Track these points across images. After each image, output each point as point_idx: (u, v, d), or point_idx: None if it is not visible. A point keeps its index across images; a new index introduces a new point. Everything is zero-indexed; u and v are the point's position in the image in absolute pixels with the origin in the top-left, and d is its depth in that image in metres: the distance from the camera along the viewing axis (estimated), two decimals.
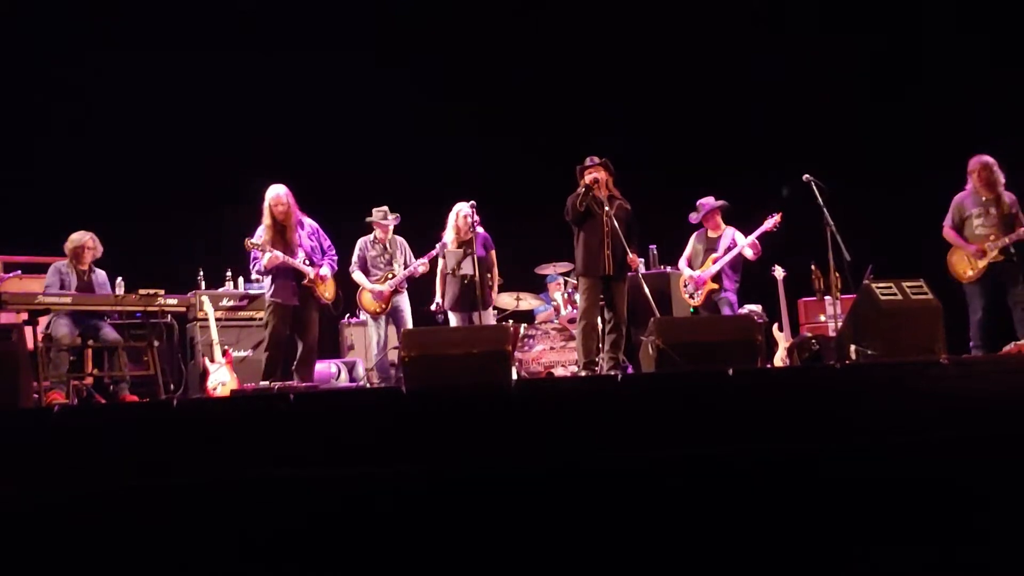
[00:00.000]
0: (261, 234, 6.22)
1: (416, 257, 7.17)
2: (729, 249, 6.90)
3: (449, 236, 6.94)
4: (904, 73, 9.02)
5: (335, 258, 6.55)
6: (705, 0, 9.11)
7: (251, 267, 6.38)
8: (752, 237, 6.85)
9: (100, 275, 6.58)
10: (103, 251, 6.60)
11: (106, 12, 8.57)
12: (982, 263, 6.06)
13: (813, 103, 8.88)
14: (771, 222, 6.85)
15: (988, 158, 6.08)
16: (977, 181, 6.12)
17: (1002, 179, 6.06)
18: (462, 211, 6.86)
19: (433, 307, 7.13)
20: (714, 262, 6.91)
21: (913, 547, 3.92)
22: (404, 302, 7.15)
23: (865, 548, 3.93)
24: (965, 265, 6.18)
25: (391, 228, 7.18)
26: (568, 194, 6.22)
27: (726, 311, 6.83)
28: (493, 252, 7.10)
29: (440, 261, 7.01)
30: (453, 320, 6.92)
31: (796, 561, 3.92)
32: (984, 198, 6.08)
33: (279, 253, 6.13)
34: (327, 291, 6.40)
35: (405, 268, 7.09)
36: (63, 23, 8.56)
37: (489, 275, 7.00)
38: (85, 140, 8.46)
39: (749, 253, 6.88)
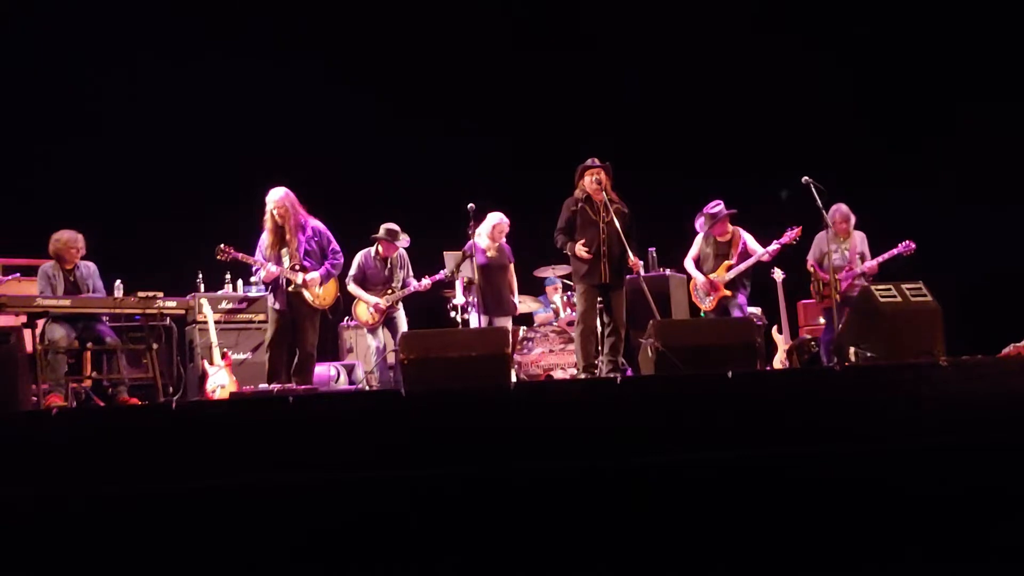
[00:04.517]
0: (264, 239, 6.19)
1: (416, 272, 7.11)
2: (744, 255, 6.80)
3: (484, 242, 6.96)
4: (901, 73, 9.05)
5: (337, 262, 6.34)
6: (706, 1, 9.13)
7: (253, 271, 6.31)
8: (771, 247, 6.77)
9: (86, 269, 6.35)
10: (101, 252, 6.56)
11: (106, 13, 8.57)
12: (836, 294, 6.69)
13: (813, 104, 8.89)
14: (790, 235, 6.76)
15: (842, 207, 6.96)
16: (833, 225, 6.97)
17: (853, 220, 6.99)
18: (503, 226, 7.04)
19: (454, 302, 7.18)
20: (728, 269, 6.79)
21: (912, 551, 3.92)
22: (400, 313, 7.05)
23: (864, 552, 3.92)
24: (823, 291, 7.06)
25: (400, 248, 7.07)
26: (567, 196, 6.21)
27: (736, 313, 6.77)
28: (512, 264, 7.20)
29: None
30: (478, 321, 6.88)
31: (795, 563, 3.91)
32: (840, 236, 7.03)
33: (272, 267, 6.08)
34: (322, 295, 6.20)
35: (404, 286, 6.98)
36: (61, 24, 8.57)
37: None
38: (84, 142, 8.45)
39: (767, 257, 6.83)
